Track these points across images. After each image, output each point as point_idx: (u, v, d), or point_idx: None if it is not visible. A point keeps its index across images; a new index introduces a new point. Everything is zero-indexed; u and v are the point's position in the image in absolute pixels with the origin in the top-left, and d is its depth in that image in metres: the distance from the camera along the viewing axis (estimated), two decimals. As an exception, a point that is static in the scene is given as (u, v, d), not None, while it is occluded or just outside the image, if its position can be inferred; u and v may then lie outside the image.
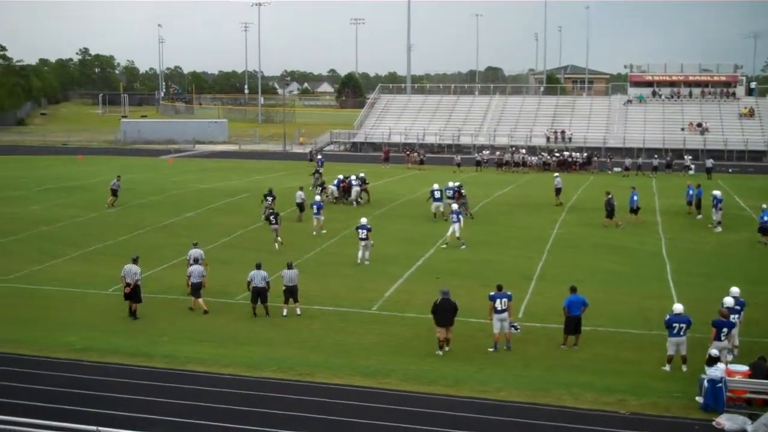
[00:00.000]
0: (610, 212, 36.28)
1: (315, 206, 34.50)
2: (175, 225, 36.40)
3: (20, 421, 13.07)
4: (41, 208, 40.79)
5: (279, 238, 31.77)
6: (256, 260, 23.40)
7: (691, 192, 39.62)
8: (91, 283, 25.63)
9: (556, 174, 47.21)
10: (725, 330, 17.73)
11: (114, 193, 41.25)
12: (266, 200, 35.66)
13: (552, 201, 42.75)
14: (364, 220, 29.68)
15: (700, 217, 38.14)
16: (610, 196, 36.65)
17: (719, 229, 35.43)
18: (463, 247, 31.48)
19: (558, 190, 43.10)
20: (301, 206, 37.27)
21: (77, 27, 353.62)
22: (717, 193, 37.04)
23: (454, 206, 33.77)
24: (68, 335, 20.35)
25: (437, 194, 37.95)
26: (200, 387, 16.78)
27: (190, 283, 23.05)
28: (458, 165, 63.26)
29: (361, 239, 28.99)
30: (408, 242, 32.17)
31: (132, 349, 19.19)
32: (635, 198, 37.43)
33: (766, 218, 32.62)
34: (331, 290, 25.18)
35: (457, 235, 31.84)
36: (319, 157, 58.11)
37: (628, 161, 63.21)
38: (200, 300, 22.94)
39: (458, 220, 31.99)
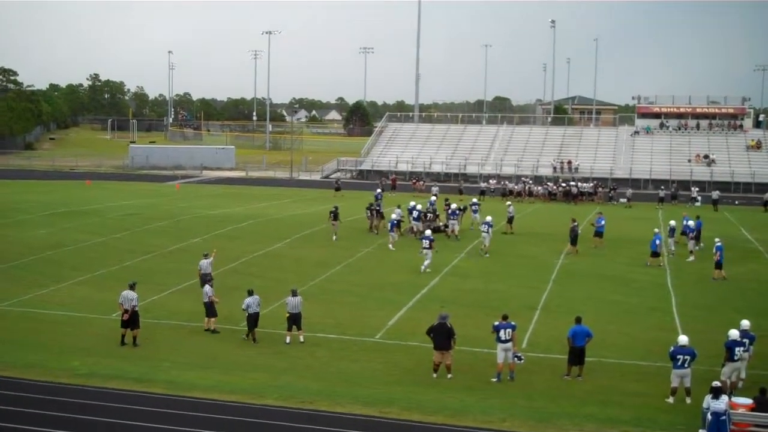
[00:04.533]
0: (573, 239, 37.26)
1: (390, 224, 38.82)
2: (181, 251, 36.45)
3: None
4: (47, 232, 40.93)
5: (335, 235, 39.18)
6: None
7: (685, 223, 39.64)
8: (96, 308, 25.66)
9: (509, 203, 47.76)
10: (738, 350, 18.35)
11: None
12: None
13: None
14: (428, 233, 33.78)
15: (701, 246, 37.90)
16: (575, 224, 37.79)
17: (692, 258, 35.98)
18: (486, 255, 35.92)
19: (510, 219, 43.38)
20: (394, 223, 39.63)
21: (88, 53, 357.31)
22: (690, 223, 38.37)
23: (489, 218, 37.25)
24: (72, 360, 20.35)
25: (415, 213, 40.99)
26: (202, 414, 16.73)
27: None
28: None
29: (424, 248, 32.15)
30: (413, 270, 32.16)
31: (135, 375, 19.16)
32: (601, 223, 39.30)
33: (657, 242, 35.06)
34: (335, 317, 25.16)
35: (486, 243, 36.30)
36: (379, 190, 55.37)
37: (629, 192, 63.73)
38: (208, 319, 23.45)
39: (488, 231, 36.23)
